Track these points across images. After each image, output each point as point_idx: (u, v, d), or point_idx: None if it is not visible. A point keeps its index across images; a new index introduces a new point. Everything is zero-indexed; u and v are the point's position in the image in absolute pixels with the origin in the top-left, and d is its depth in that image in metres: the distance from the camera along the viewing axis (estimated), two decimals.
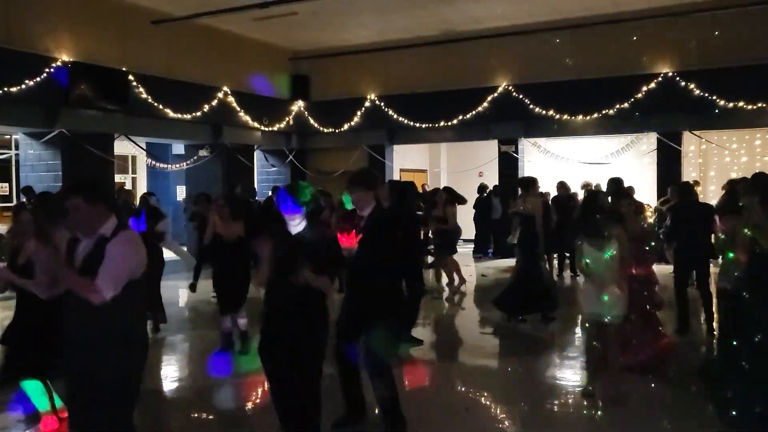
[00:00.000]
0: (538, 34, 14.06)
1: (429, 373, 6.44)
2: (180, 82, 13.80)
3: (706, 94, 13.14)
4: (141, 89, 12.98)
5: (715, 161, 15.34)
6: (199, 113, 14.34)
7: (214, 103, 14.73)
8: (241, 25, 14.70)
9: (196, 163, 15.23)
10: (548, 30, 13.94)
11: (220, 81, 14.87)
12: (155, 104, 13.27)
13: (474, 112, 15.22)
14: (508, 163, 15.40)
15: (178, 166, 15.77)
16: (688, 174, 14.50)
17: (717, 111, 13.13)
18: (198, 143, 15.24)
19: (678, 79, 13.39)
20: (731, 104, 13.00)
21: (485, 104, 15.11)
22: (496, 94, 15.05)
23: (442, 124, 15.69)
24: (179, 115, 13.89)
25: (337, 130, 16.86)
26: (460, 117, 15.37)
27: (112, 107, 12.37)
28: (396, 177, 17.33)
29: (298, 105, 17.15)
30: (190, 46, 14.25)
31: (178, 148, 17.19)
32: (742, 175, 12.74)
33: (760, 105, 12.80)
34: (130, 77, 12.77)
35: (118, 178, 15.34)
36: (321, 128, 17.02)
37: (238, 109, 15.36)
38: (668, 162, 13.92)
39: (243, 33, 15.39)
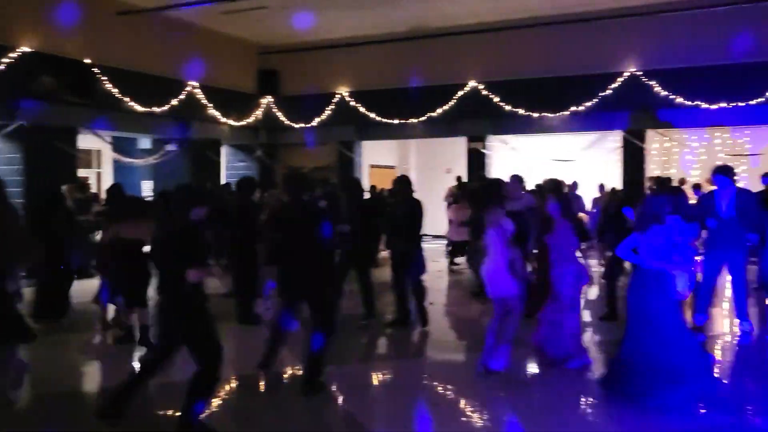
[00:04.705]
0: (506, 32, 14.20)
1: (398, 369, 6.46)
2: (146, 76, 13.59)
3: (669, 94, 13.45)
4: (106, 82, 12.76)
5: (676, 159, 15.70)
6: (166, 107, 14.16)
7: (182, 97, 14.56)
8: (209, 18, 14.54)
9: (163, 158, 15.04)
10: (517, 28, 14.09)
11: (188, 75, 14.69)
12: (121, 98, 13.06)
13: (443, 109, 15.32)
14: (476, 160, 15.53)
15: (144, 160, 15.55)
16: (652, 171, 14.80)
17: (678, 110, 13.47)
18: (165, 138, 15.05)
19: (643, 78, 13.68)
20: (693, 104, 13.33)
21: (454, 101, 15.21)
22: (464, 91, 15.16)
23: (411, 120, 15.76)
24: (146, 109, 13.69)
25: (306, 126, 16.81)
26: (430, 113, 15.46)
27: (76, 100, 12.13)
28: (366, 173, 17.36)
29: (267, 100, 17.05)
30: (157, 38, 14.03)
31: (145, 142, 16.95)
32: (703, 173, 13.15)
33: (719, 105, 13.15)
34: (95, 69, 12.54)
35: (83, 173, 15.06)
36: (290, 123, 16.94)
37: (206, 103, 15.20)
38: (633, 159, 14.21)
39: (211, 27, 15.23)
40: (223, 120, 15.80)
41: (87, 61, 12.43)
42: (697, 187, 12.82)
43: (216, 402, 5.35)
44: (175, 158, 14.98)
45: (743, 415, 5.05)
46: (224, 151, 16.86)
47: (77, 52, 12.27)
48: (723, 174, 7.12)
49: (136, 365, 4.45)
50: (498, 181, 7.06)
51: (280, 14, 14.16)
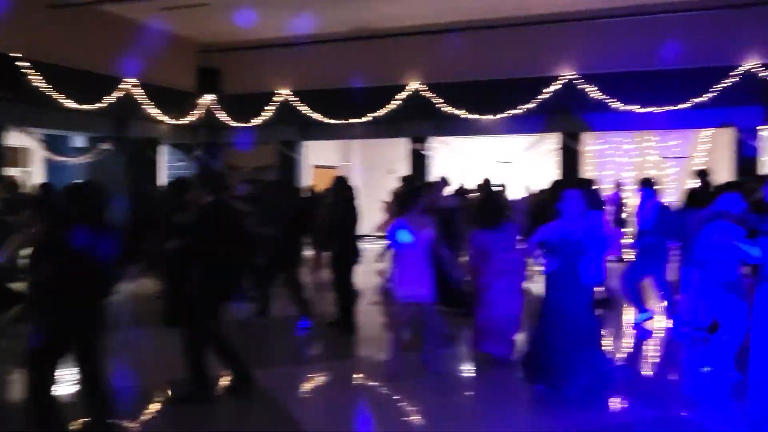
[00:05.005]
0: (447, 35, 14.38)
1: (337, 370, 6.45)
2: (80, 72, 13.15)
3: (604, 98, 13.89)
4: (36, 77, 12.28)
5: (611, 161, 16.22)
6: (102, 104, 13.74)
7: (118, 94, 14.16)
8: (147, 14, 14.18)
9: (97, 156, 14.58)
10: (458, 31, 14.28)
11: (124, 72, 14.28)
12: (52, 94, 12.59)
13: (386, 110, 15.39)
14: (418, 161, 15.66)
15: (78, 159, 15.05)
16: (587, 173, 15.24)
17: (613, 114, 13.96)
18: (100, 136, 14.60)
19: (579, 82, 14.08)
20: (626, 107, 13.81)
21: (396, 102, 15.30)
22: (406, 93, 15.28)
23: (353, 120, 15.77)
24: (79, 106, 13.25)
25: (247, 125, 16.60)
26: (372, 114, 15.50)
27: (3, 95, 11.65)
28: (309, 173, 17.26)
29: (208, 99, 16.75)
30: (92, 33, 13.59)
31: (79, 140, 16.41)
32: (636, 173, 13.68)
33: (650, 109, 13.67)
34: (24, 64, 12.05)
35: (11, 172, 14.45)
36: (232, 122, 16.70)
37: (143, 101, 14.83)
38: (569, 161, 14.60)
39: (150, 23, 14.83)
40: (162, 118, 15.44)
41: (15, 54, 11.93)
42: (617, 187, 13.37)
43: (150, 408, 5.24)
44: (111, 157, 14.55)
45: (670, 409, 5.27)
46: (163, 151, 16.47)
47: (5, 46, 11.76)
48: (646, 186, 7.69)
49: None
50: (419, 187, 7.16)
51: (221, 12, 13.93)
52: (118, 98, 14.16)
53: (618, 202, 13.48)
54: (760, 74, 12.99)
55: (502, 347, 6.16)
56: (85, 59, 13.26)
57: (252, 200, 8.32)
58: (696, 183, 8.09)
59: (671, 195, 13.29)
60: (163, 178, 16.00)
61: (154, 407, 5.31)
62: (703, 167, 9.01)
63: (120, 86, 14.24)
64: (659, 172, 14.89)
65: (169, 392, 5.45)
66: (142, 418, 5.03)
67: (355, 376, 6.24)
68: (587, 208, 5.42)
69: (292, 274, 7.87)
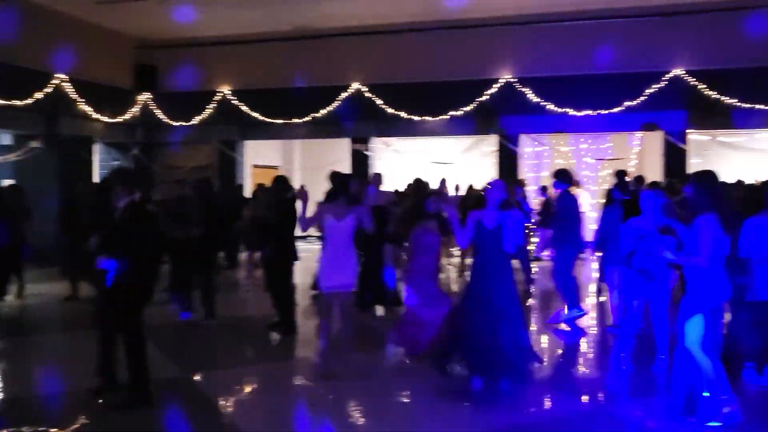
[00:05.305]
0: (389, 36, 14.48)
1: (271, 374, 6.38)
2: (6, 65, 12.59)
3: (541, 101, 14.24)
4: None
5: (547, 163, 16.64)
6: (30, 101, 13.20)
7: (48, 90, 13.62)
8: (80, 7, 13.72)
9: (26, 155, 14.00)
10: (399, 32, 14.39)
11: (55, 66, 13.76)
12: None
13: (327, 110, 15.34)
14: (360, 162, 15.69)
15: (4, 158, 14.41)
16: (524, 174, 15.57)
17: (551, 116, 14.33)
18: (29, 134, 14.02)
19: (517, 85, 14.39)
20: (562, 110, 14.20)
21: (338, 102, 15.28)
22: (348, 93, 15.28)
23: (295, 120, 15.66)
24: (5, 102, 12.69)
25: (186, 124, 16.27)
26: (314, 114, 15.43)
27: None
28: (248, 173, 17.05)
29: (145, 96, 16.32)
30: (20, 26, 13.02)
31: (6, 137, 15.72)
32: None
33: (586, 112, 14.10)
34: None
35: None
36: (169, 121, 16.33)
37: (76, 97, 14.32)
38: (507, 162, 14.91)
39: (82, 17, 14.36)
40: (96, 116, 14.95)
41: None
42: (543, 190, 13.71)
43: (78, 416, 5.08)
44: (40, 156, 13.99)
45: (598, 403, 5.44)
46: (98, 149, 15.95)
47: None
48: (560, 179, 7.85)
49: None
50: (345, 180, 7.16)
51: (160, 8, 13.60)
52: (48, 94, 13.64)
53: (547, 203, 13.79)
54: (687, 80, 13.59)
55: (411, 345, 6.26)
56: (12, 52, 12.69)
57: (183, 201, 8.16)
58: (614, 182, 8.20)
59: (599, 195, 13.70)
60: (97, 178, 15.49)
61: (89, 412, 5.13)
62: (622, 168, 9.21)
63: (51, 82, 13.72)
64: (593, 173, 15.36)
65: (101, 397, 5.28)
66: (76, 424, 4.87)
67: (294, 376, 6.20)
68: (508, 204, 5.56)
69: (210, 274, 7.91)
